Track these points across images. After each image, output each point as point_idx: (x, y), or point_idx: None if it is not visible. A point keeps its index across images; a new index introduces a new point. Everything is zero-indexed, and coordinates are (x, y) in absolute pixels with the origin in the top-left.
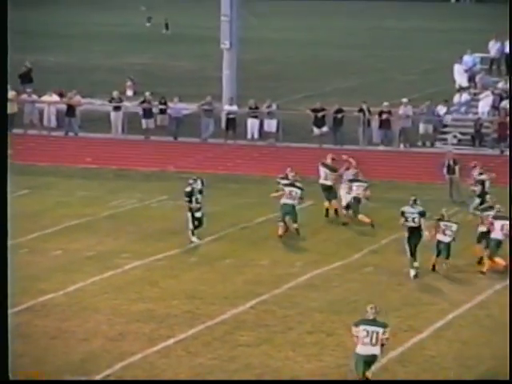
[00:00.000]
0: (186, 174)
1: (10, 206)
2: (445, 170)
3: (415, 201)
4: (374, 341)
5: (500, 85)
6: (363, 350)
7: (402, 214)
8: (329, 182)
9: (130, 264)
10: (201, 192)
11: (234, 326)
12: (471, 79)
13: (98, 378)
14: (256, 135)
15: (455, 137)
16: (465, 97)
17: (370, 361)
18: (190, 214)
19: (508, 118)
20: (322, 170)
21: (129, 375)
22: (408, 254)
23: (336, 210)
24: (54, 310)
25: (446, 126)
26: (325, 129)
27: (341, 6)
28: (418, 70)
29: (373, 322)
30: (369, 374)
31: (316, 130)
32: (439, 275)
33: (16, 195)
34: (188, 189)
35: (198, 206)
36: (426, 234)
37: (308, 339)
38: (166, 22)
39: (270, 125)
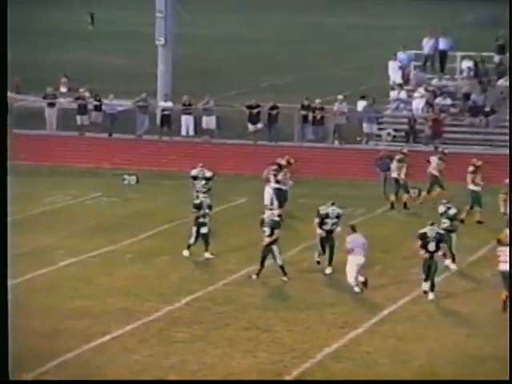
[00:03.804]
0: (120, 170)
1: None
2: (379, 167)
3: (333, 204)
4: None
5: (434, 81)
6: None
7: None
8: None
9: (64, 261)
10: (210, 207)
11: (170, 323)
12: (405, 76)
13: (31, 376)
14: (191, 132)
15: (389, 134)
16: (402, 94)
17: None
18: (195, 229)
19: (442, 115)
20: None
21: (64, 373)
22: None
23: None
24: None
25: (381, 122)
26: (259, 125)
27: (278, 2)
28: (354, 67)
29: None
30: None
31: (251, 127)
32: (374, 271)
33: None
34: (197, 201)
35: (205, 220)
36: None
37: (244, 335)
38: (92, 16)
39: (208, 122)
